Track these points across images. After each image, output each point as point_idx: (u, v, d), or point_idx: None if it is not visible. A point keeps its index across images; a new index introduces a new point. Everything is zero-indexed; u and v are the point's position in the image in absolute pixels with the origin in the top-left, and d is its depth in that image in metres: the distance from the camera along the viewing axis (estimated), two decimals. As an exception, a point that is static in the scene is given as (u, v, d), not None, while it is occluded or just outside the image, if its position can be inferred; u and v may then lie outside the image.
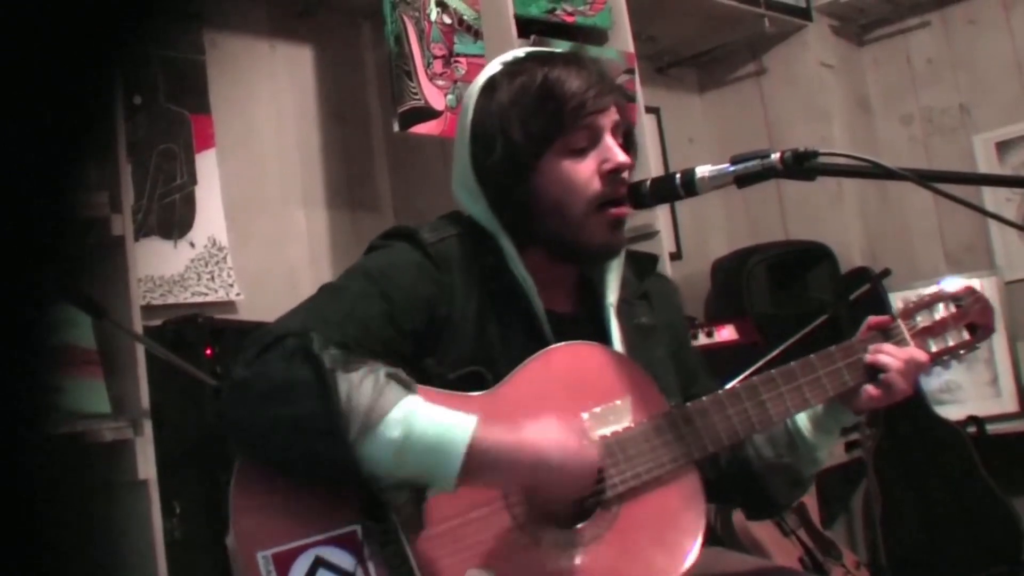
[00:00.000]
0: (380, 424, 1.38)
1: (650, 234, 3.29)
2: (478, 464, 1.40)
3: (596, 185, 1.63)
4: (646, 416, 1.62)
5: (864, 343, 1.74)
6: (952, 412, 4.16)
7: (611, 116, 1.66)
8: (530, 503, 1.52)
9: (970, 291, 1.81)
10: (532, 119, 1.61)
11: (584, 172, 1.63)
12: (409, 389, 1.44)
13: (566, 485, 1.48)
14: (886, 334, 1.76)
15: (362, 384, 1.40)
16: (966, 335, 1.79)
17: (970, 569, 3.89)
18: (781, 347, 3.23)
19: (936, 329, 1.78)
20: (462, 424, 1.41)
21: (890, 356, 1.70)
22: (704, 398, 1.66)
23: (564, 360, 1.61)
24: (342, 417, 1.37)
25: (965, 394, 4.24)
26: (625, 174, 1.66)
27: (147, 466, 2.29)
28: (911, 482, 4.07)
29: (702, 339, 3.71)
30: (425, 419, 1.41)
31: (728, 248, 4.49)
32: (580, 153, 1.63)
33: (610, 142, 1.65)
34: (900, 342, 1.75)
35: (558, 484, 1.47)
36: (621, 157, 1.64)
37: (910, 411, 4.07)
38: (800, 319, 3.53)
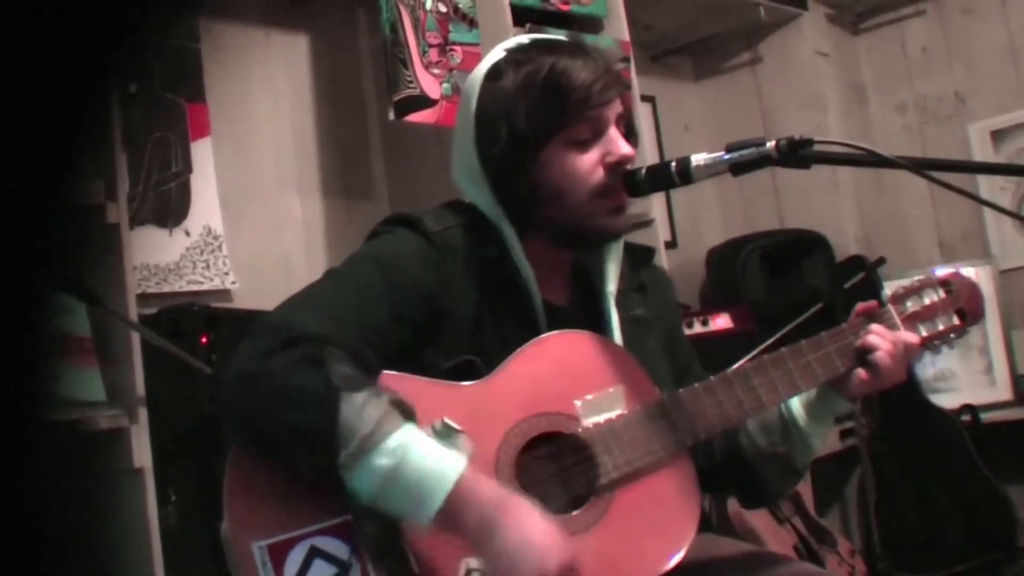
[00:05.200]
0: (374, 451, 1.37)
1: (645, 222, 3.29)
2: (457, 507, 1.38)
3: (599, 176, 1.64)
4: (639, 404, 1.62)
5: (854, 328, 1.73)
6: (947, 400, 4.16)
7: (615, 108, 1.66)
8: (524, 490, 1.52)
9: (958, 276, 1.81)
10: (537, 110, 1.61)
11: (587, 163, 1.63)
12: (409, 418, 1.42)
13: (531, 560, 1.39)
14: (876, 319, 1.75)
15: (364, 408, 1.39)
16: (956, 320, 1.78)
17: (965, 556, 3.89)
18: (776, 335, 3.23)
19: (925, 314, 1.77)
20: (451, 465, 1.39)
21: (880, 338, 1.69)
22: (696, 384, 1.66)
23: (557, 348, 1.62)
24: (340, 438, 1.37)
25: (960, 382, 4.25)
26: (628, 165, 1.66)
27: (142, 454, 2.30)
28: (906, 470, 4.08)
29: (697, 327, 3.71)
30: (418, 455, 1.39)
31: (723, 236, 4.49)
32: (583, 144, 1.64)
33: (614, 134, 1.65)
34: (890, 327, 1.74)
35: (522, 558, 1.39)
36: (625, 149, 1.64)
37: (904, 399, 4.07)
38: (795, 307, 3.52)
